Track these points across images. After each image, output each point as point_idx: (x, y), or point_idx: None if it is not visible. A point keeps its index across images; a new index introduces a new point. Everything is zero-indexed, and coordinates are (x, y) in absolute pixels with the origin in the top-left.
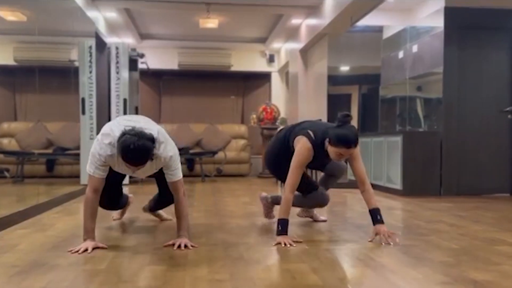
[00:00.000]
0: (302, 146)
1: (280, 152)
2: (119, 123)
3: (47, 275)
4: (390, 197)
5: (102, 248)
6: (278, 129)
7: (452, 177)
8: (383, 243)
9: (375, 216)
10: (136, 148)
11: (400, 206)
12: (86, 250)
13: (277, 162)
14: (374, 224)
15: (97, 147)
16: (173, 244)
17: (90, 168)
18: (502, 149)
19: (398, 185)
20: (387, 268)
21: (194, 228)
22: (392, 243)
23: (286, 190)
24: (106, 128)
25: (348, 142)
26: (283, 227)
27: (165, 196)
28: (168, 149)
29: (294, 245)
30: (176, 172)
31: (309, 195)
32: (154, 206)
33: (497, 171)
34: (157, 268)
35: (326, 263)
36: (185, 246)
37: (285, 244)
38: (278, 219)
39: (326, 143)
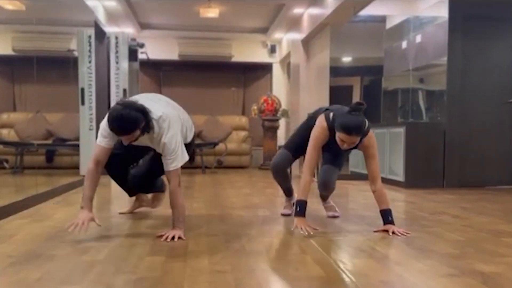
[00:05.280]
0: (318, 124)
1: (306, 135)
2: (141, 97)
3: (44, 266)
4: (392, 189)
5: (97, 225)
6: (309, 115)
7: (455, 168)
8: (391, 234)
9: (386, 217)
10: (118, 117)
11: (402, 198)
12: (83, 224)
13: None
14: (384, 224)
15: (103, 120)
16: (162, 236)
17: (98, 138)
18: (506, 141)
19: (400, 177)
20: (392, 259)
21: (194, 219)
22: (400, 235)
23: (304, 172)
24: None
25: (348, 129)
26: (301, 208)
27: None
28: (168, 134)
29: (312, 232)
30: (171, 162)
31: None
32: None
33: (500, 163)
34: (156, 259)
35: (329, 254)
36: (173, 238)
37: (301, 229)
38: (297, 200)
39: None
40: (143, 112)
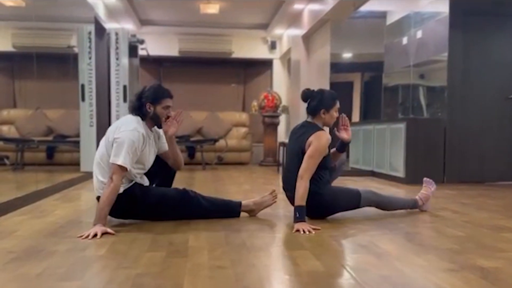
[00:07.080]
0: (325, 141)
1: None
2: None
3: (44, 262)
4: (393, 184)
5: (111, 234)
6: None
7: (455, 164)
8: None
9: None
10: (160, 85)
11: (403, 193)
12: (95, 235)
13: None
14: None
15: (130, 136)
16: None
17: (125, 159)
18: (506, 137)
19: (401, 173)
20: (392, 255)
21: None
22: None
23: (305, 179)
24: (123, 121)
25: (335, 94)
26: (301, 214)
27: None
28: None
29: (313, 232)
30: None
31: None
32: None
33: (500, 159)
34: (156, 255)
35: (329, 250)
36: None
37: (303, 231)
38: (295, 206)
39: (322, 116)
40: None
